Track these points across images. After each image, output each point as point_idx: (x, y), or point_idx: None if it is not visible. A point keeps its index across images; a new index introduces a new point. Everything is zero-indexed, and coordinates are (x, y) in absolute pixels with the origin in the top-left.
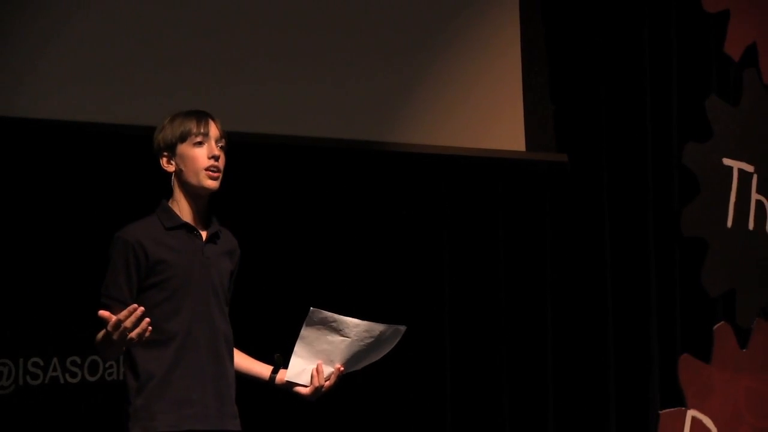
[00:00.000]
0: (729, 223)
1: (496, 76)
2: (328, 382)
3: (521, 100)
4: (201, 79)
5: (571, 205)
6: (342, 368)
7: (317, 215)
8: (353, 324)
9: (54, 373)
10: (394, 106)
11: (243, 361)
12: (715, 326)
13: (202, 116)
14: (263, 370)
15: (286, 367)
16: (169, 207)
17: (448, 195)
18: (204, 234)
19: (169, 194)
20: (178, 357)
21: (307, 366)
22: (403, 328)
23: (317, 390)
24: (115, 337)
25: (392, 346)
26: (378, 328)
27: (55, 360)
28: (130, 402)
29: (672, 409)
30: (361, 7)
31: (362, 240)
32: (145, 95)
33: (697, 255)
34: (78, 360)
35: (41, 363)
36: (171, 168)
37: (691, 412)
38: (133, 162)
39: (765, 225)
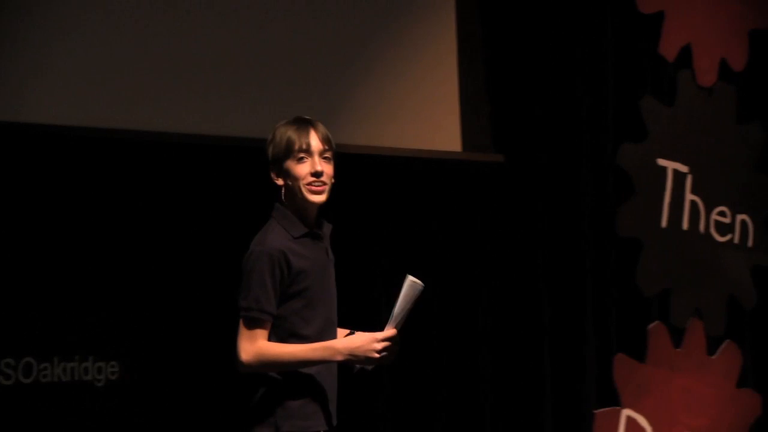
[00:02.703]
0: (663, 223)
1: (433, 77)
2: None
3: (458, 101)
4: (156, 83)
5: (508, 206)
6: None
7: (259, 216)
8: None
9: None
10: (332, 108)
11: None
12: (650, 326)
13: (302, 127)
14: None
15: None
16: (290, 214)
17: (384, 196)
18: (324, 239)
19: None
20: None
21: None
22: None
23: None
24: (378, 357)
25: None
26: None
27: None
28: (276, 400)
29: (607, 409)
30: (297, 8)
31: None
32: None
33: (632, 255)
34: (12, 362)
35: None
36: (280, 182)
37: (625, 412)
38: (100, 167)
39: (699, 225)
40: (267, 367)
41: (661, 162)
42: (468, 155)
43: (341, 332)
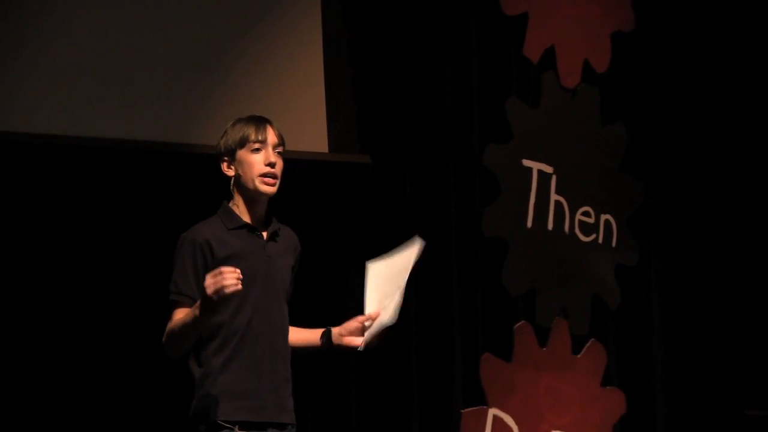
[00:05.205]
0: (529, 224)
1: (299, 78)
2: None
3: (324, 102)
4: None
5: (374, 206)
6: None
7: (124, 218)
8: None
9: None
10: (195, 110)
11: (295, 334)
12: (516, 325)
13: (260, 123)
14: (313, 336)
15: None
16: (230, 208)
17: None
18: (265, 233)
19: (229, 197)
20: (237, 350)
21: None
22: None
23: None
24: (210, 291)
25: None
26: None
27: None
28: (195, 394)
29: (474, 408)
30: (159, 9)
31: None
32: None
33: (498, 255)
34: None
35: None
36: (230, 173)
37: (492, 411)
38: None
39: (564, 225)
40: (171, 342)
41: (527, 163)
42: (334, 156)
43: (302, 331)
